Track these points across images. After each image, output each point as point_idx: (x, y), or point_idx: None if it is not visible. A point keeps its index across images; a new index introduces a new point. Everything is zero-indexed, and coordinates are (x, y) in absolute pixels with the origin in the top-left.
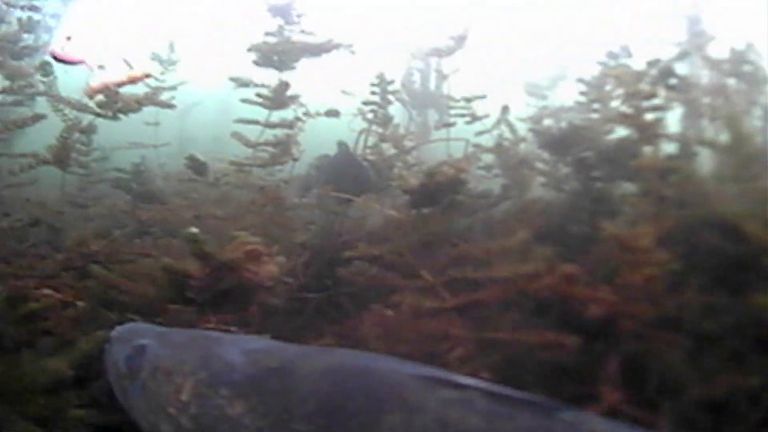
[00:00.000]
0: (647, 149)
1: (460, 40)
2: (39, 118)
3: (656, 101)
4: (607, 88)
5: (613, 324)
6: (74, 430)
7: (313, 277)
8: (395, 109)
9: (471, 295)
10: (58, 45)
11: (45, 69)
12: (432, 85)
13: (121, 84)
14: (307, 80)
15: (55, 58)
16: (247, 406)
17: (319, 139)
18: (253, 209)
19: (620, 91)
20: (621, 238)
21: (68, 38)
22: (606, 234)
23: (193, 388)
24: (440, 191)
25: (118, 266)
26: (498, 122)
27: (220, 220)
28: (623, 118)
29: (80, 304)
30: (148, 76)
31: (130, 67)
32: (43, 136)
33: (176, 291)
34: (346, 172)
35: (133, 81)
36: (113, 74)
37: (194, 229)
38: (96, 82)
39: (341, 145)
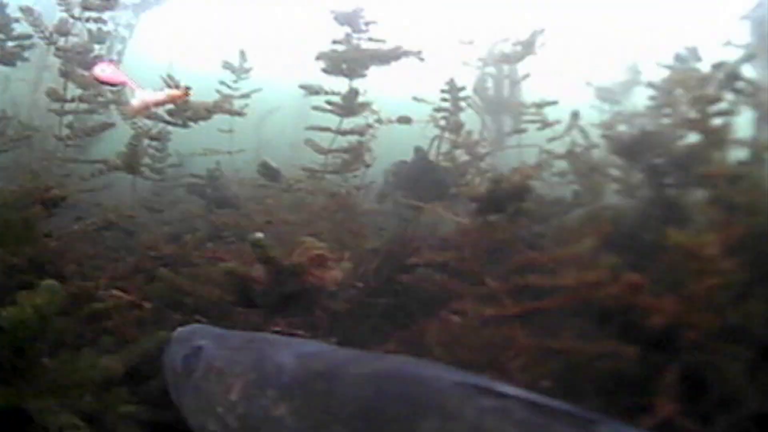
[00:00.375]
0: (716, 155)
1: (528, 45)
2: (108, 126)
3: (722, 105)
4: (677, 92)
5: (675, 334)
6: (123, 425)
7: (382, 283)
8: (470, 116)
9: (534, 302)
10: (99, 68)
11: (112, 64)
12: (506, 91)
13: (160, 103)
14: (379, 87)
15: (98, 80)
16: (291, 407)
17: (391, 145)
18: (324, 215)
19: (687, 95)
20: (686, 246)
21: (111, 61)
22: (671, 242)
23: (243, 388)
24: (506, 198)
25: (187, 269)
26: (569, 128)
27: (292, 225)
28: (689, 123)
29: (146, 305)
30: (187, 94)
31: (170, 86)
32: (120, 144)
33: (240, 294)
34: (423, 178)
35: (172, 100)
36: (153, 94)
37: (259, 234)
38: (137, 101)
39: (418, 150)
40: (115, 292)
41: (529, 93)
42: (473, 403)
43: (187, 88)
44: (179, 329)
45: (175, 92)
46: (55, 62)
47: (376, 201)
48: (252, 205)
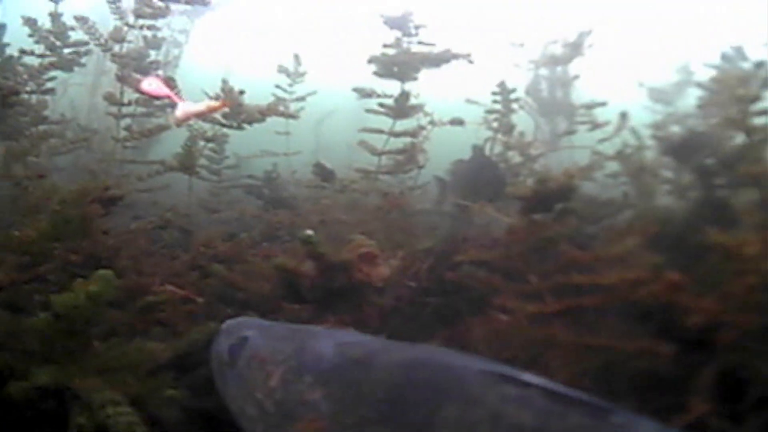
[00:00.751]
0: (763, 155)
1: (576, 47)
2: (164, 128)
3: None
4: (722, 92)
5: (713, 334)
6: (166, 408)
7: (434, 282)
8: (524, 118)
9: (574, 300)
10: (146, 82)
11: (169, 81)
12: (559, 92)
13: (200, 114)
14: (432, 89)
15: (144, 93)
16: (325, 392)
17: (445, 147)
18: (377, 215)
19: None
20: (726, 245)
21: (157, 74)
22: (712, 242)
23: (282, 375)
24: (552, 198)
25: (240, 266)
26: (618, 129)
27: (345, 225)
28: (731, 123)
29: (199, 300)
30: (226, 105)
31: (210, 97)
32: (177, 145)
33: (289, 289)
34: (481, 176)
35: (212, 111)
36: (194, 105)
37: (309, 231)
38: (179, 112)
39: (476, 148)
40: (169, 287)
41: (585, 94)
42: (495, 391)
43: (225, 99)
44: (228, 321)
45: (213, 103)
46: (112, 67)
47: (436, 200)
48: (307, 205)
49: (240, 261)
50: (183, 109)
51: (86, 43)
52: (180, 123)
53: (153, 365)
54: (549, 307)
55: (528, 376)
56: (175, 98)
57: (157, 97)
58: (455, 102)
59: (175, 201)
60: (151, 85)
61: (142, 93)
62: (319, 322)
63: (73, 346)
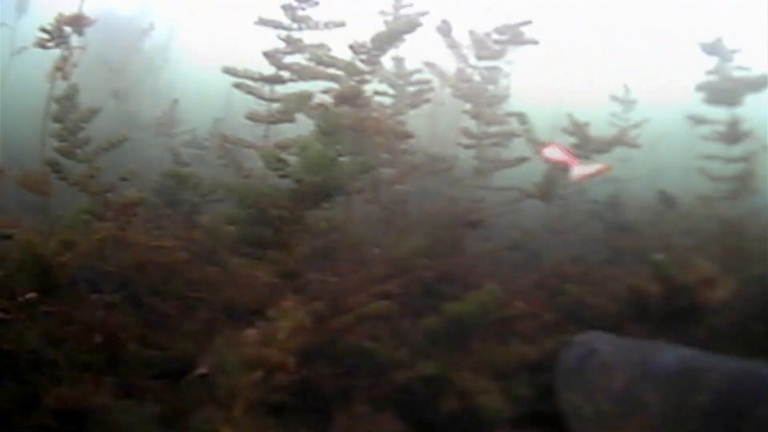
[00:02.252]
0: None
1: None
2: (522, 160)
3: None
4: None
5: None
6: (498, 403)
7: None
8: None
9: None
10: (548, 150)
11: (520, 117)
12: None
13: (592, 175)
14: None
15: (548, 160)
16: (659, 395)
17: None
18: (715, 239)
19: None
20: None
21: (559, 144)
22: None
23: (625, 380)
24: None
25: (586, 286)
26: None
27: (685, 249)
28: None
29: (545, 315)
30: (608, 169)
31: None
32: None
33: (635, 308)
34: None
35: (600, 173)
36: (587, 168)
37: (660, 256)
38: (576, 174)
39: None
40: (518, 303)
41: None
42: None
43: (609, 165)
44: (579, 335)
45: (601, 166)
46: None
47: None
48: (648, 229)
49: (587, 282)
50: (578, 171)
51: (428, 81)
52: (577, 182)
53: (517, 365)
54: None
55: None
56: (572, 162)
57: (562, 164)
58: None
59: (518, 223)
60: (553, 152)
61: (548, 160)
62: (660, 339)
63: (455, 344)
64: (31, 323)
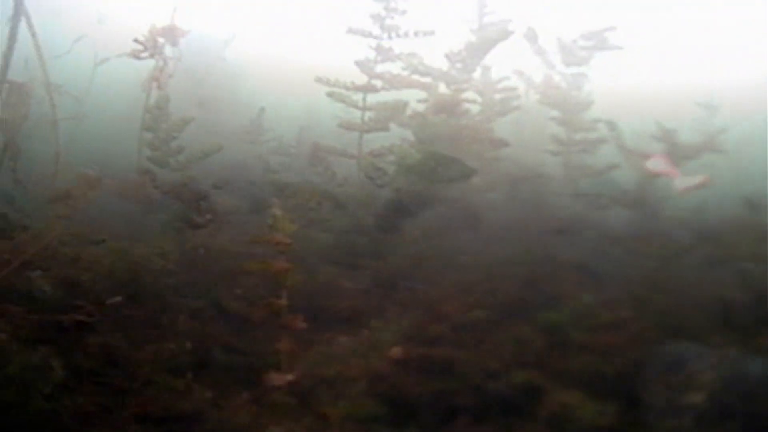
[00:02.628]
0: None
1: None
2: (613, 167)
3: None
4: None
5: None
6: None
7: None
8: None
9: None
10: (652, 162)
11: (610, 124)
12: None
13: (696, 187)
14: None
15: (653, 173)
16: (746, 407)
17: None
18: None
19: None
20: None
21: (663, 156)
22: None
23: (712, 391)
24: None
25: (672, 296)
26: None
27: None
28: None
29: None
30: (707, 180)
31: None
32: None
33: (721, 317)
34: None
35: (703, 184)
36: (692, 179)
37: (745, 264)
38: (679, 184)
39: None
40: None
41: None
42: None
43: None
44: (667, 345)
45: (704, 178)
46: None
47: None
48: (734, 237)
49: (672, 291)
50: (682, 183)
51: (515, 89)
52: (680, 194)
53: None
54: None
55: None
56: (676, 174)
57: (661, 174)
58: None
59: (608, 231)
60: (657, 165)
61: (652, 173)
62: (747, 348)
63: (549, 354)
64: (115, 326)
